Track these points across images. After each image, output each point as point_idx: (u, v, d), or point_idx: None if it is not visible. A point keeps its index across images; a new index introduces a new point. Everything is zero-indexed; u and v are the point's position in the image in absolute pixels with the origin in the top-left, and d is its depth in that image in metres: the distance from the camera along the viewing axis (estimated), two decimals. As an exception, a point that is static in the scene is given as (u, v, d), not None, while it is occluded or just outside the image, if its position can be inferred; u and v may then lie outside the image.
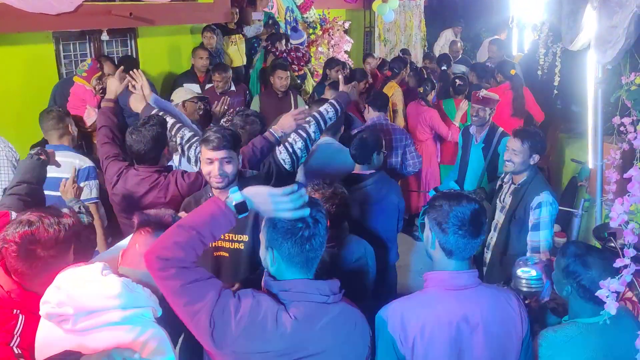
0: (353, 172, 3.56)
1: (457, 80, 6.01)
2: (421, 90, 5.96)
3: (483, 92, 4.57)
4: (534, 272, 2.50)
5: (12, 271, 1.85)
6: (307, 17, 9.48)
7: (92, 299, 1.66)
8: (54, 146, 3.42)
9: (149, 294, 1.74)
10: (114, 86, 3.37)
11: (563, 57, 4.88)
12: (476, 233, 1.90)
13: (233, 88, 5.75)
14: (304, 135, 3.19)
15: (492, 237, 3.56)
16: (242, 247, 2.64)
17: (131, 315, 1.68)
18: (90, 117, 4.64)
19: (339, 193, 2.79)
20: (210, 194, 2.67)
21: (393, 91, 6.12)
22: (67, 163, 3.32)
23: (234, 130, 2.74)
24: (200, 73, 5.97)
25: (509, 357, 1.95)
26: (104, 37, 5.79)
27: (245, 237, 2.62)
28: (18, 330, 1.83)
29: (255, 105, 5.72)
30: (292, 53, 7.23)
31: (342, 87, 3.65)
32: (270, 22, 7.91)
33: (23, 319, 1.85)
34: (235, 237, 2.64)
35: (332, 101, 3.44)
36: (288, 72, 5.62)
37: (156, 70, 6.41)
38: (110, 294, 1.66)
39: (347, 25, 10.12)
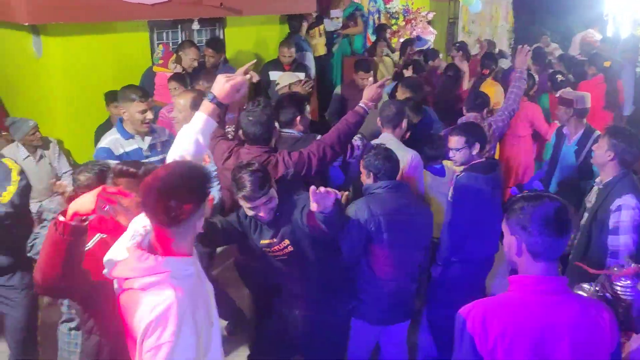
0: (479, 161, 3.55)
1: (558, 75, 5.79)
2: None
3: (562, 92, 4.41)
4: (628, 281, 2.38)
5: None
6: (389, 8, 9.41)
7: (118, 270, 1.86)
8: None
9: (163, 261, 1.82)
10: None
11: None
12: (562, 231, 1.85)
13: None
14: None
15: (576, 238, 3.44)
16: (292, 249, 2.85)
17: (148, 283, 1.79)
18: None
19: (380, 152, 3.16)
20: None
21: (494, 90, 5.69)
22: None
23: (261, 167, 2.73)
24: (285, 63, 6.08)
25: (595, 370, 1.89)
26: (195, 26, 6.01)
27: (287, 241, 2.83)
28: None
29: (335, 94, 5.83)
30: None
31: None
32: (358, 13, 7.92)
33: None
34: (280, 247, 2.86)
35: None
36: (370, 74, 5.62)
37: (242, 58, 6.58)
38: (128, 265, 1.83)
39: (430, 16, 9.94)
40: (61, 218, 1.80)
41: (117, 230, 2.02)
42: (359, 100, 3.34)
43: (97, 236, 2.19)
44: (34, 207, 4.55)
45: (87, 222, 1.84)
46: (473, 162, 3.51)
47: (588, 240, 3.29)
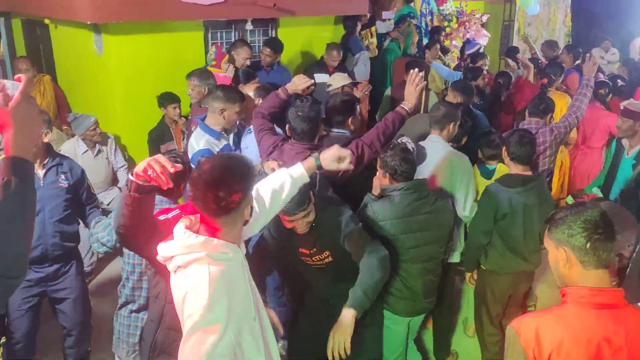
0: (513, 172, 3.49)
1: (618, 80, 5.55)
2: (602, 92, 5.52)
3: (627, 102, 4.19)
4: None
5: None
6: (443, 10, 9.29)
7: (167, 249, 1.97)
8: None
9: (203, 240, 1.91)
10: (298, 84, 3.54)
11: None
12: (608, 236, 1.82)
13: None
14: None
15: (635, 251, 3.31)
16: (331, 259, 2.90)
17: (190, 260, 1.90)
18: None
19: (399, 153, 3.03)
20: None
21: (563, 102, 5.38)
22: None
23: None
24: (331, 66, 6.12)
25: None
26: (248, 26, 6.10)
27: (327, 252, 2.87)
28: None
29: (386, 95, 5.82)
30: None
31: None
32: (410, 15, 7.86)
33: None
34: (321, 257, 2.90)
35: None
36: (422, 73, 5.55)
37: (294, 58, 6.64)
38: (175, 243, 1.95)
39: (484, 18, 9.76)
40: (131, 177, 1.98)
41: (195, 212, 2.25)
42: None
43: (176, 211, 2.36)
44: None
45: (149, 183, 1.98)
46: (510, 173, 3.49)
47: (647, 252, 3.17)
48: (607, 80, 5.83)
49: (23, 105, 1.43)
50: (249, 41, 6.18)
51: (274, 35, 6.41)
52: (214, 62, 5.08)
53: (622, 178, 4.22)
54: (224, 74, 5.01)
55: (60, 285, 3.46)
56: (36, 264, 3.31)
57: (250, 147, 3.75)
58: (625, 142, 4.26)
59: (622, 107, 4.11)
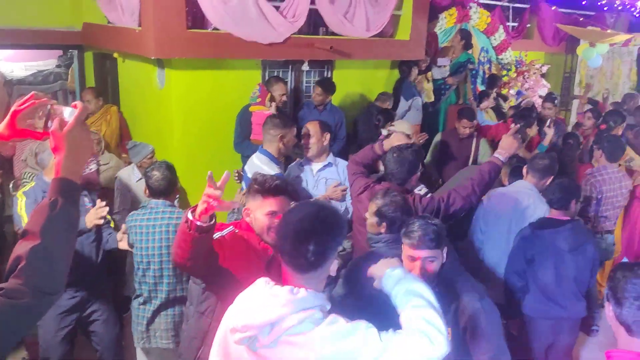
0: (548, 216, 3.51)
1: None
2: None
3: None
4: None
5: None
6: (502, 59, 9.23)
7: (267, 314, 1.71)
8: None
9: (313, 294, 1.74)
10: (396, 140, 3.63)
11: None
12: None
13: None
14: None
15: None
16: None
17: (304, 317, 1.69)
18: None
19: (395, 200, 2.88)
20: None
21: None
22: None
23: (440, 225, 2.55)
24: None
25: None
26: (305, 67, 6.24)
27: (448, 329, 2.70)
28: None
29: (435, 141, 5.81)
30: None
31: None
32: (470, 64, 7.87)
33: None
34: None
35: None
36: (473, 122, 5.62)
37: (348, 100, 6.73)
38: (280, 302, 1.70)
39: (544, 69, 9.63)
40: (189, 216, 1.98)
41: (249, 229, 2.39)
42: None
43: (231, 228, 2.43)
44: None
45: (212, 222, 1.98)
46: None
47: None
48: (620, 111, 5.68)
49: (76, 130, 1.51)
50: (304, 81, 6.34)
51: (329, 76, 6.53)
52: (258, 100, 5.19)
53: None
54: (268, 111, 5.12)
55: (92, 307, 3.67)
56: (72, 287, 3.48)
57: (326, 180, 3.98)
58: None
59: None
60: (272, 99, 5.22)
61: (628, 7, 9.78)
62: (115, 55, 6.10)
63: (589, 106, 7.73)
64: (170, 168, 3.57)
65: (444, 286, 2.50)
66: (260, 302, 1.74)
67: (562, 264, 3.38)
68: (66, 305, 3.53)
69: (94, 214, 3.36)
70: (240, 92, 5.63)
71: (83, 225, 3.33)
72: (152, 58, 5.15)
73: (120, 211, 4.61)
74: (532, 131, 5.83)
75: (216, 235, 2.26)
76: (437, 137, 5.94)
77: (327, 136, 4.04)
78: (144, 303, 3.54)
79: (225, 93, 5.62)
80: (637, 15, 10.10)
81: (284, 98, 5.47)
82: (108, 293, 3.92)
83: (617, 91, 10.99)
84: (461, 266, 2.85)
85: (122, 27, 5.53)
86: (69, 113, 1.54)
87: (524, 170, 3.99)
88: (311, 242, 1.71)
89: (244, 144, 5.18)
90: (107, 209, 3.40)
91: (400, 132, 3.73)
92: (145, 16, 5.00)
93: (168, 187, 3.52)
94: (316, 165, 4.07)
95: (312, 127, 4.02)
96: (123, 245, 3.56)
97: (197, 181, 5.10)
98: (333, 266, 1.81)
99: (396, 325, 1.78)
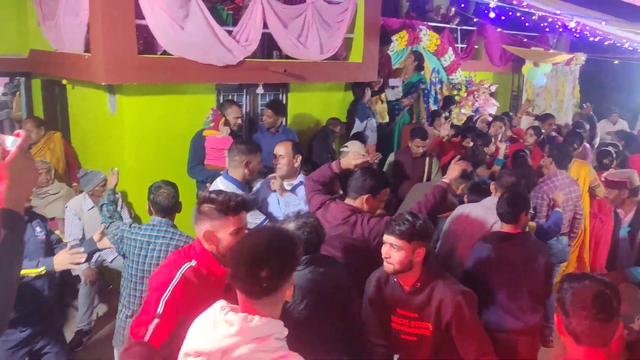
0: (500, 230, 3.57)
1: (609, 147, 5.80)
2: (606, 161, 5.84)
3: (607, 173, 4.29)
4: None
5: None
6: (452, 79, 9.50)
7: (219, 341, 1.68)
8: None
9: (268, 321, 1.72)
10: (353, 161, 3.67)
11: None
12: (602, 317, 1.76)
13: None
14: None
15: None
16: (428, 334, 2.76)
17: (256, 348, 1.67)
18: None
19: (309, 222, 2.78)
20: None
21: (585, 172, 5.31)
22: None
23: (425, 223, 2.70)
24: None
25: None
26: (259, 90, 6.25)
27: (429, 325, 2.74)
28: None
29: (389, 160, 5.89)
30: None
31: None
32: (422, 84, 8.08)
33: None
34: (420, 324, 2.78)
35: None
36: (425, 141, 5.77)
37: (303, 122, 6.77)
38: (232, 331, 1.68)
39: (493, 88, 9.95)
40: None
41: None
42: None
43: (179, 275, 2.28)
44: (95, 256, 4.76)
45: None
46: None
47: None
48: (610, 150, 5.96)
49: (19, 160, 1.46)
50: (259, 104, 6.34)
51: (284, 100, 6.56)
52: (212, 124, 5.15)
53: (625, 250, 4.19)
54: (222, 135, 5.09)
55: (43, 341, 3.54)
56: (22, 321, 3.35)
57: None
58: (620, 211, 4.26)
59: (603, 179, 4.18)
60: (226, 123, 5.18)
61: (570, 28, 10.23)
62: (64, 82, 5.97)
63: (529, 118, 8.07)
64: (175, 187, 3.53)
65: (425, 285, 2.70)
66: (213, 328, 1.71)
67: (515, 277, 3.42)
68: (16, 339, 3.39)
69: (68, 258, 3.19)
70: (194, 117, 5.58)
71: (50, 267, 3.21)
72: (103, 84, 5.06)
73: (71, 242, 4.47)
74: (490, 149, 6.01)
75: (166, 294, 2.17)
76: (391, 157, 6.03)
77: (299, 158, 4.06)
78: (132, 316, 3.33)
79: (179, 118, 5.56)
80: (578, 35, 10.58)
81: (239, 121, 5.44)
82: (59, 327, 3.82)
83: (562, 108, 11.44)
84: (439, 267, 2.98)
85: (70, 54, 5.42)
86: (11, 142, 1.48)
87: (492, 187, 4.09)
88: (264, 268, 1.69)
89: (198, 169, 5.12)
90: (85, 257, 3.25)
91: (354, 154, 3.74)
92: (94, 42, 4.91)
93: (175, 205, 3.44)
94: (287, 185, 4.07)
95: (284, 148, 4.02)
96: (102, 244, 3.52)
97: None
98: (289, 291, 1.79)
99: None
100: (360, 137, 6.43)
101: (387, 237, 2.68)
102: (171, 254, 2.48)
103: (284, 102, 6.57)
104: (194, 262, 2.33)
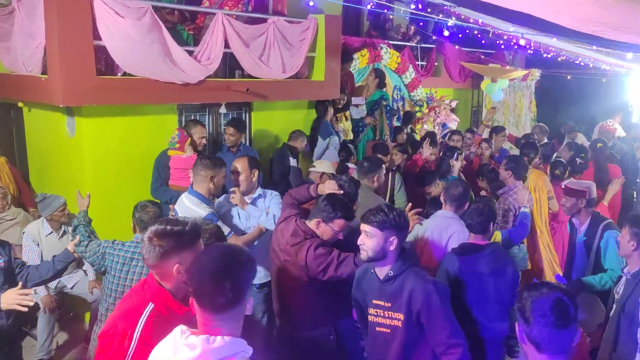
0: (468, 241, 3.59)
1: (577, 159, 6.00)
2: (558, 172, 5.95)
3: (567, 181, 4.41)
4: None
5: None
6: (414, 95, 9.66)
7: None
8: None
9: (230, 341, 1.71)
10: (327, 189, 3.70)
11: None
12: (561, 323, 1.81)
13: None
14: None
15: (604, 330, 3.30)
16: (400, 325, 2.83)
17: None
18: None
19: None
20: None
21: (535, 178, 5.54)
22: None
23: (399, 215, 2.84)
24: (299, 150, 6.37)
25: None
26: (222, 109, 6.22)
27: (401, 316, 2.81)
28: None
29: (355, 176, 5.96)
30: None
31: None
32: (384, 101, 8.19)
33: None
34: (393, 315, 2.86)
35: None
36: (387, 157, 5.92)
37: (266, 141, 6.76)
38: (195, 354, 1.67)
39: (454, 104, 10.15)
40: None
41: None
42: None
43: (142, 322, 2.13)
44: (52, 283, 4.62)
45: None
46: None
47: (617, 333, 3.15)
48: (562, 161, 6.16)
49: None
50: (222, 124, 6.31)
51: (247, 119, 6.55)
52: (177, 145, 5.10)
53: (579, 258, 4.30)
54: (185, 155, 5.05)
55: None
56: None
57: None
58: (576, 220, 4.36)
59: (563, 187, 4.28)
60: (191, 143, 5.15)
61: (523, 45, 10.56)
62: (20, 104, 5.82)
63: (487, 130, 8.25)
64: (161, 208, 3.69)
65: (398, 273, 2.81)
66: (174, 353, 1.69)
67: (484, 287, 3.45)
68: None
69: (15, 298, 3.04)
70: (155, 138, 5.52)
71: None
72: (61, 106, 4.95)
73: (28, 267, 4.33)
74: (458, 163, 6.09)
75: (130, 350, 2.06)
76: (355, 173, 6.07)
77: (256, 172, 4.17)
78: None
79: (140, 139, 5.49)
80: (532, 52, 10.92)
81: (204, 141, 5.41)
82: (18, 355, 3.73)
83: (520, 122, 11.75)
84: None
85: (26, 76, 5.29)
86: None
87: (442, 199, 4.14)
88: (228, 278, 1.72)
89: (162, 190, 5.06)
90: (33, 301, 3.10)
91: (330, 183, 3.75)
92: (51, 63, 4.80)
93: None
94: (247, 199, 4.15)
95: (241, 164, 4.13)
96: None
97: (112, 231, 4.91)
98: (248, 305, 1.81)
99: None
100: (348, 149, 6.61)
101: (362, 226, 2.81)
102: (124, 297, 2.31)
103: (248, 121, 6.56)
104: (151, 306, 2.16)
